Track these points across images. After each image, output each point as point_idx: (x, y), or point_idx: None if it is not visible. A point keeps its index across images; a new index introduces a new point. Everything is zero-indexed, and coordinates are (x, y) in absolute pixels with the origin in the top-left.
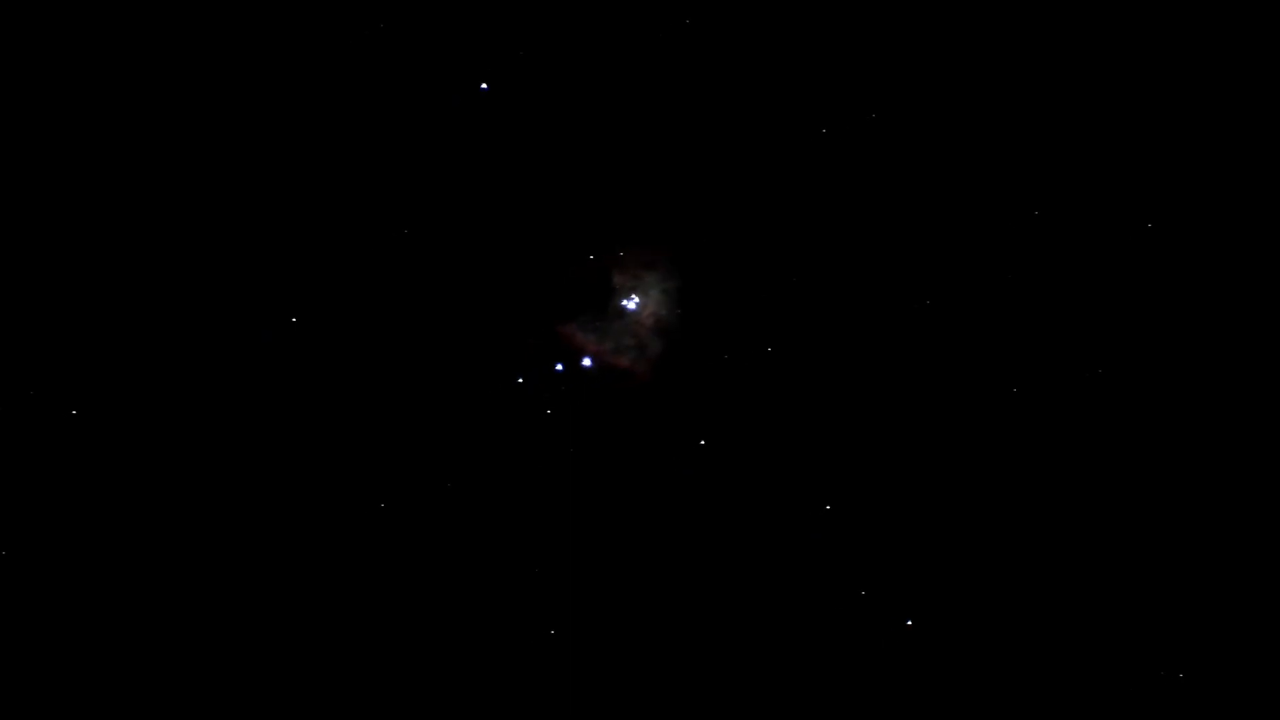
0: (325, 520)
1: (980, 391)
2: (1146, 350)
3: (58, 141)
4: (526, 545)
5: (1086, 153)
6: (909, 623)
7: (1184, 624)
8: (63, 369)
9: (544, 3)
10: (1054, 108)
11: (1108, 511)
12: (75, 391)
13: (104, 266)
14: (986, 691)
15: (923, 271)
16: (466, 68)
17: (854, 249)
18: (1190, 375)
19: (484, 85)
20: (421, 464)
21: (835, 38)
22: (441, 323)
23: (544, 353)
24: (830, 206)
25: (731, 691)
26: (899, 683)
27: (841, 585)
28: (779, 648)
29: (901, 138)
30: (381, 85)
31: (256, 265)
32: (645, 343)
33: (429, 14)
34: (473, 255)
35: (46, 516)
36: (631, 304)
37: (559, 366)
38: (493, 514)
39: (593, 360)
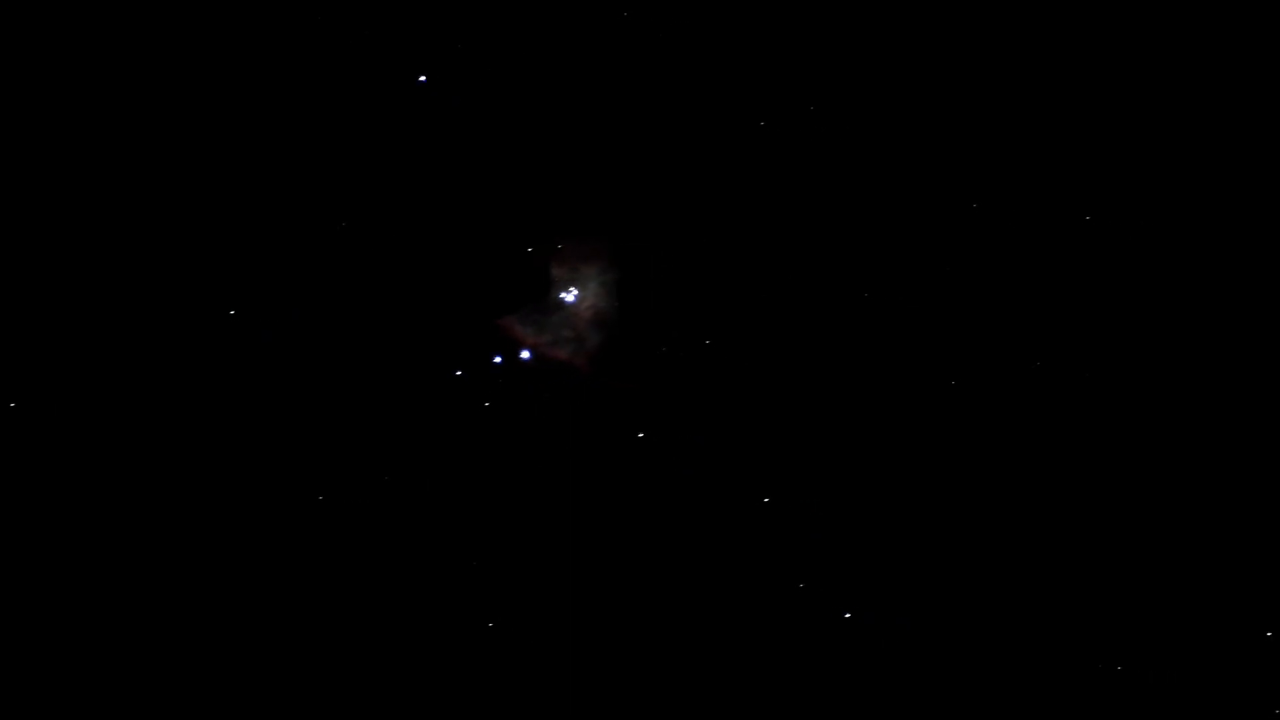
0: (264, 510)
1: (922, 369)
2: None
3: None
4: (467, 535)
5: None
6: (847, 616)
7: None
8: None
9: None
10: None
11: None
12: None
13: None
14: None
15: (869, 258)
16: (402, 61)
17: (797, 239)
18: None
19: (422, 78)
20: (361, 455)
21: (777, 26)
22: (380, 315)
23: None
24: (771, 196)
25: (691, 677)
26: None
27: (778, 579)
28: (728, 632)
29: (842, 122)
30: (313, 76)
31: (194, 255)
32: (584, 335)
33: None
34: (411, 248)
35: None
36: (570, 296)
37: (497, 359)
38: (434, 507)
39: (531, 353)
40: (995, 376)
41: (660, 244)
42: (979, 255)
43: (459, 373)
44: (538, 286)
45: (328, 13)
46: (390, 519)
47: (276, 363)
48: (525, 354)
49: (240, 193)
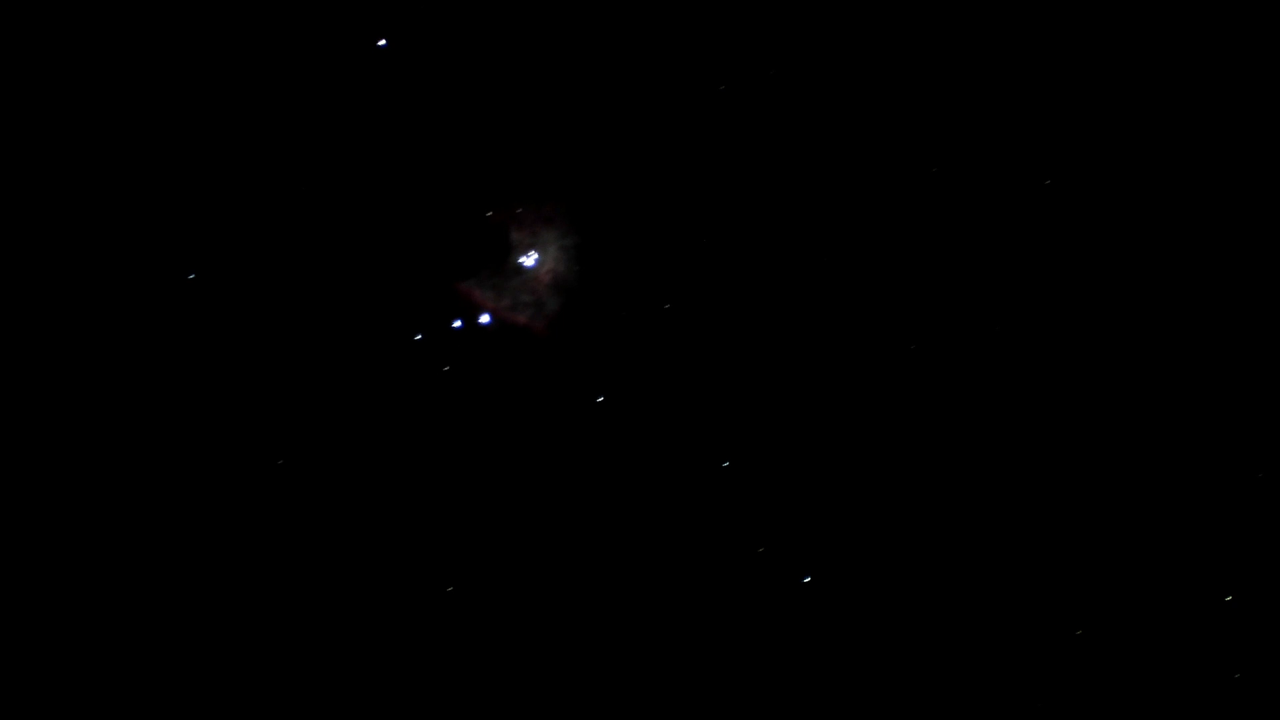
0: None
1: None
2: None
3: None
4: (427, 497)
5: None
6: (806, 580)
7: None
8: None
9: None
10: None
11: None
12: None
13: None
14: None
15: (821, 216)
16: (365, 25)
17: (754, 206)
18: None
19: (382, 42)
20: (321, 419)
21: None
22: (339, 280)
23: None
24: (728, 164)
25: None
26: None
27: (737, 543)
28: (686, 594)
29: (796, 85)
30: (273, 41)
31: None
32: (543, 299)
33: None
34: (371, 213)
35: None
36: (529, 261)
37: (457, 323)
38: (394, 469)
39: (491, 317)
40: (940, 337)
41: (618, 209)
42: (935, 229)
43: (418, 336)
44: (497, 251)
45: None
46: (350, 482)
47: (236, 326)
48: (485, 318)
49: (195, 152)
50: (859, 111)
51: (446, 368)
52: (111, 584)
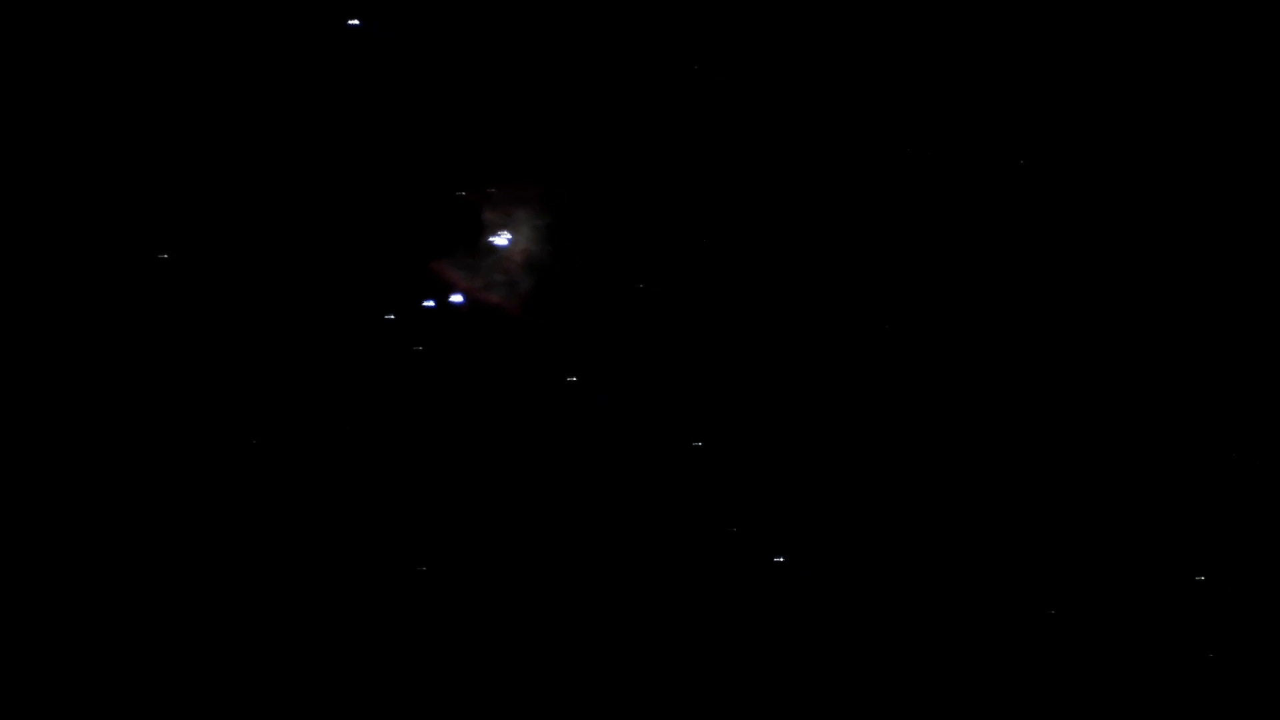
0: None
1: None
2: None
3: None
4: (398, 481)
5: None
6: (779, 559)
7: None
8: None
9: None
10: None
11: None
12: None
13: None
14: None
15: (788, 200)
16: (338, 4)
17: (730, 184)
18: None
19: (354, 21)
20: (290, 401)
21: None
22: (308, 259)
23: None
24: (703, 143)
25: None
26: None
27: (708, 522)
28: (653, 575)
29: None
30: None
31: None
32: (516, 279)
33: None
34: (341, 190)
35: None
36: (502, 240)
37: (429, 303)
38: (366, 449)
39: (464, 297)
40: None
41: (594, 187)
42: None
43: (390, 317)
44: (470, 230)
45: None
46: (322, 460)
47: (203, 309)
48: (458, 298)
49: (163, 134)
50: (839, 88)
51: (419, 347)
52: (80, 563)
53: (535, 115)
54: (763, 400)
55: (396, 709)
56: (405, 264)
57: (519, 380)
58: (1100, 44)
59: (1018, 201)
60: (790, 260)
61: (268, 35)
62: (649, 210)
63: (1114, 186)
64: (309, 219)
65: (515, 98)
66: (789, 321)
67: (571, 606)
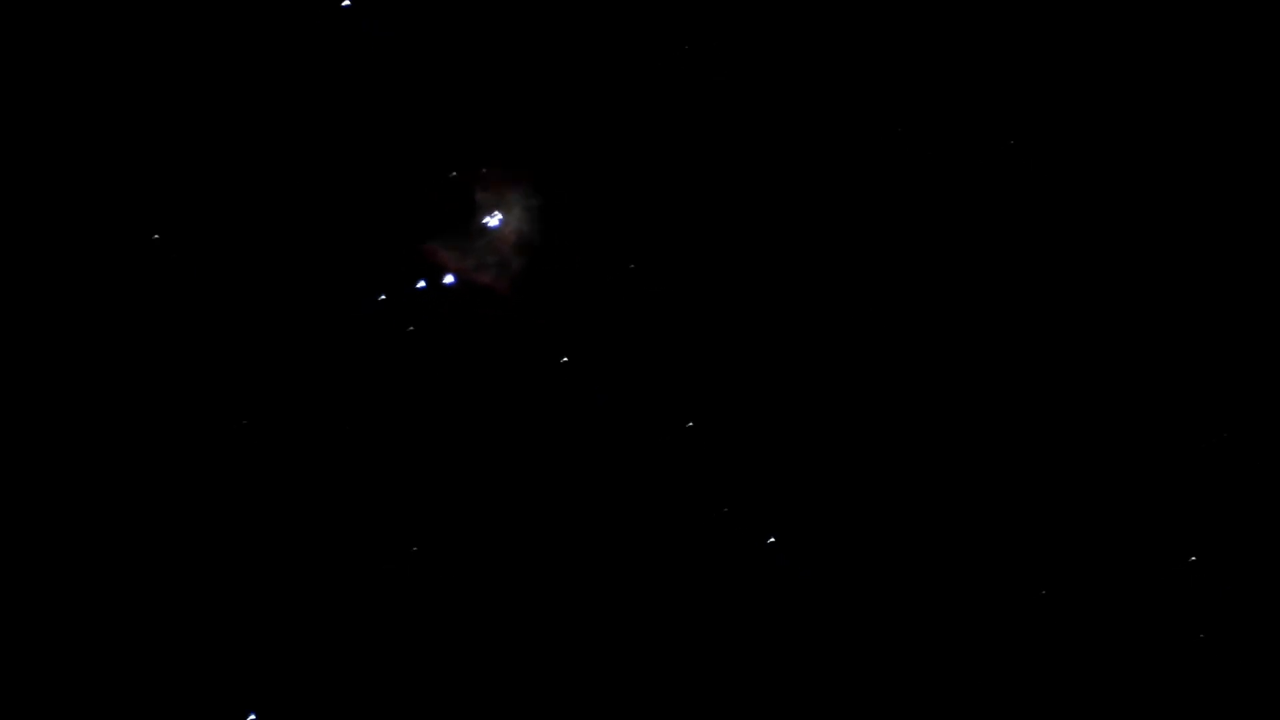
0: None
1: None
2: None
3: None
4: (390, 462)
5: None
6: (770, 540)
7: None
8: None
9: None
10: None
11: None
12: None
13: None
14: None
15: (779, 183)
16: None
17: (720, 166)
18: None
19: (346, 2)
20: (284, 382)
21: None
22: (302, 239)
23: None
24: (693, 124)
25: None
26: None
27: (700, 504)
28: (646, 562)
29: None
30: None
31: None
32: (508, 260)
33: None
34: (334, 172)
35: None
36: (494, 221)
37: (421, 284)
38: (359, 430)
39: (455, 278)
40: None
41: (583, 169)
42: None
43: (382, 297)
44: (462, 211)
45: None
46: (313, 447)
47: (198, 292)
48: (449, 279)
49: (161, 121)
50: (833, 74)
51: (411, 328)
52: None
53: (526, 98)
54: (753, 379)
55: (382, 680)
56: (398, 245)
57: (511, 360)
58: (1100, 44)
59: (1017, 199)
60: (782, 243)
61: (259, 20)
62: (640, 191)
63: (1114, 186)
64: (303, 201)
65: (507, 80)
66: (778, 301)
67: (564, 584)
